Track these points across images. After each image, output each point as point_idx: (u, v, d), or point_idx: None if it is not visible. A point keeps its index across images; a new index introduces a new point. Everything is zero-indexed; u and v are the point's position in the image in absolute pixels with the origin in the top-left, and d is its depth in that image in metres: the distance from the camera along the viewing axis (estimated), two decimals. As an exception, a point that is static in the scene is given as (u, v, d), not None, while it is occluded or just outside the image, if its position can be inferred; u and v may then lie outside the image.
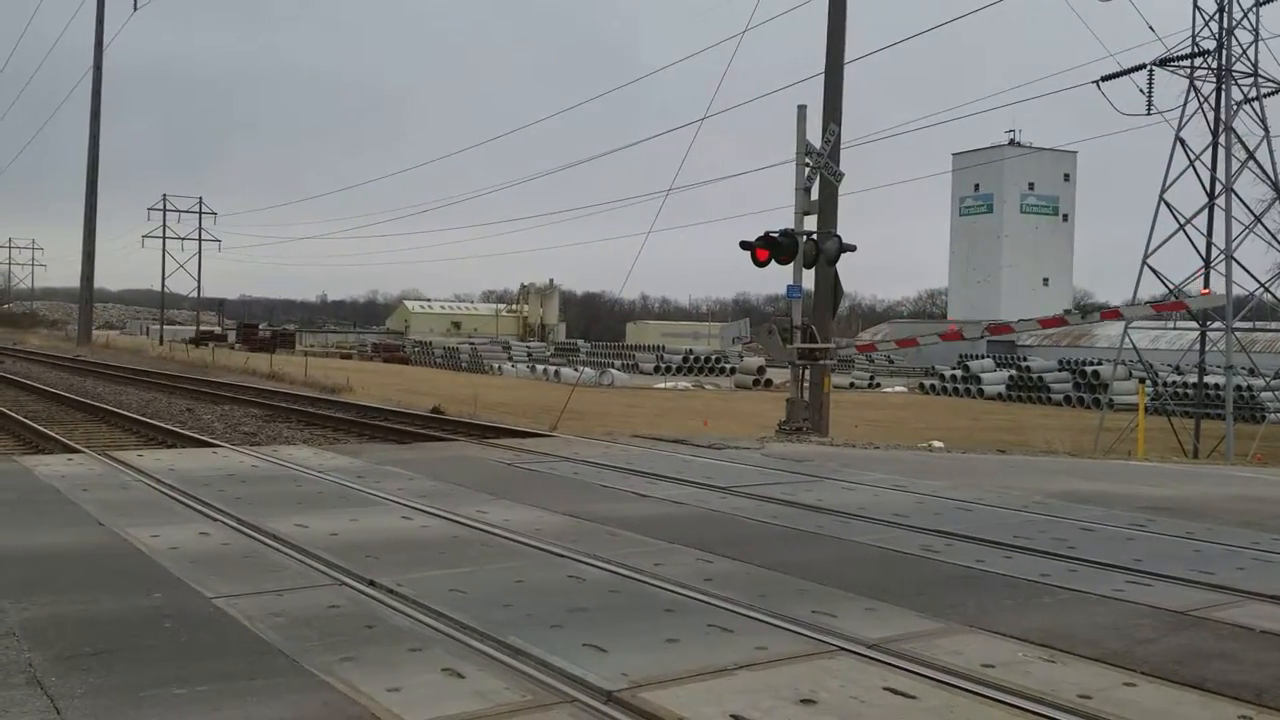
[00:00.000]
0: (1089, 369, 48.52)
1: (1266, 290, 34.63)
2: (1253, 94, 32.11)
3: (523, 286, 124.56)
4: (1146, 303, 27.54)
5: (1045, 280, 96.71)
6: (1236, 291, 30.58)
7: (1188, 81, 32.27)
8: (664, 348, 71.96)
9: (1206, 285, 32.62)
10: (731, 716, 4.11)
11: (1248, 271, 32.44)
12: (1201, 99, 32.16)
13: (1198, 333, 33.81)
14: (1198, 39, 32.03)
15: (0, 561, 6.45)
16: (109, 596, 5.70)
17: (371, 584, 6.04)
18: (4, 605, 5.45)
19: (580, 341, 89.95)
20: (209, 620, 5.30)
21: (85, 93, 58.23)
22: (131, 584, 5.97)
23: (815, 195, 17.16)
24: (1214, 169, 31.98)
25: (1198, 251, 32.36)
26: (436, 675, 4.52)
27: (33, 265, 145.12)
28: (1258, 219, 32.45)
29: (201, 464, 11.09)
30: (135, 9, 57.60)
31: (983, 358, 68.93)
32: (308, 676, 4.48)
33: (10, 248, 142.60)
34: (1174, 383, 36.20)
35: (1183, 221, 32.37)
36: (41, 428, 16.99)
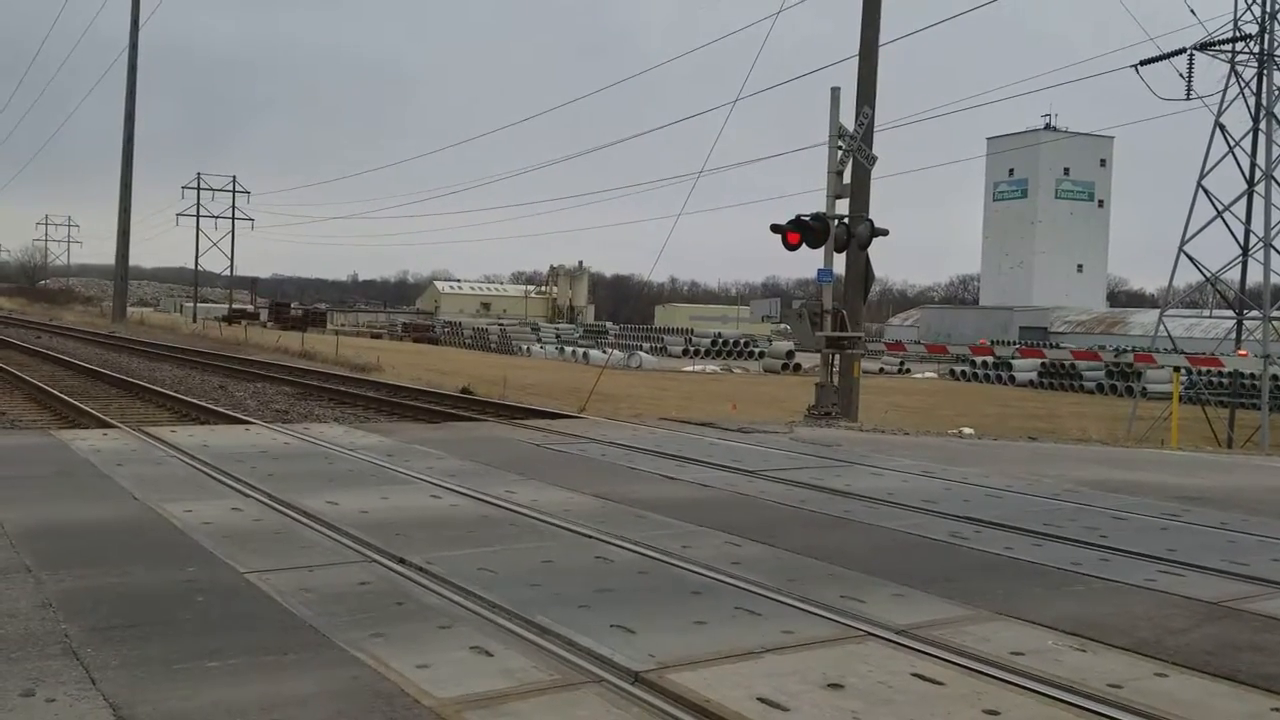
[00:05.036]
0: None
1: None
2: (1294, 79, 31.53)
3: (552, 268, 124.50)
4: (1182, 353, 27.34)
5: (1080, 266, 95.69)
6: (1275, 280, 30.11)
7: (1228, 66, 31.76)
8: (692, 330, 71.85)
9: (1243, 278, 32.20)
10: (759, 699, 4.11)
11: (1287, 260, 31.92)
12: (1242, 84, 31.65)
13: (1234, 321, 33.38)
14: (1239, 23, 31.52)
15: (36, 534, 6.55)
16: (143, 570, 5.77)
17: (401, 562, 6.08)
18: (41, 577, 5.54)
19: (609, 324, 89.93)
20: (241, 595, 5.36)
21: (117, 74, 58.67)
22: (165, 558, 6.05)
23: (847, 179, 17.02)
24: (1254, 155, 31.50)
25: (1235, 239, 31.91)
26: (465, 653, 4.55)
27: (68, 242, 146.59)
28: (1298, 206, 31.90)
29: (234, 440, 11.19)
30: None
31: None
32: (338, 652, 4.53)
33: (47, 224, 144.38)
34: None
35: (1221, 208, 31.91)
36: (77, 403, 17.21)
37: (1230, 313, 34.36)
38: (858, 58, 18.59)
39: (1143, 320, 73.69)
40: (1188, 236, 32.03)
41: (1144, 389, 33.95)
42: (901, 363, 54.62)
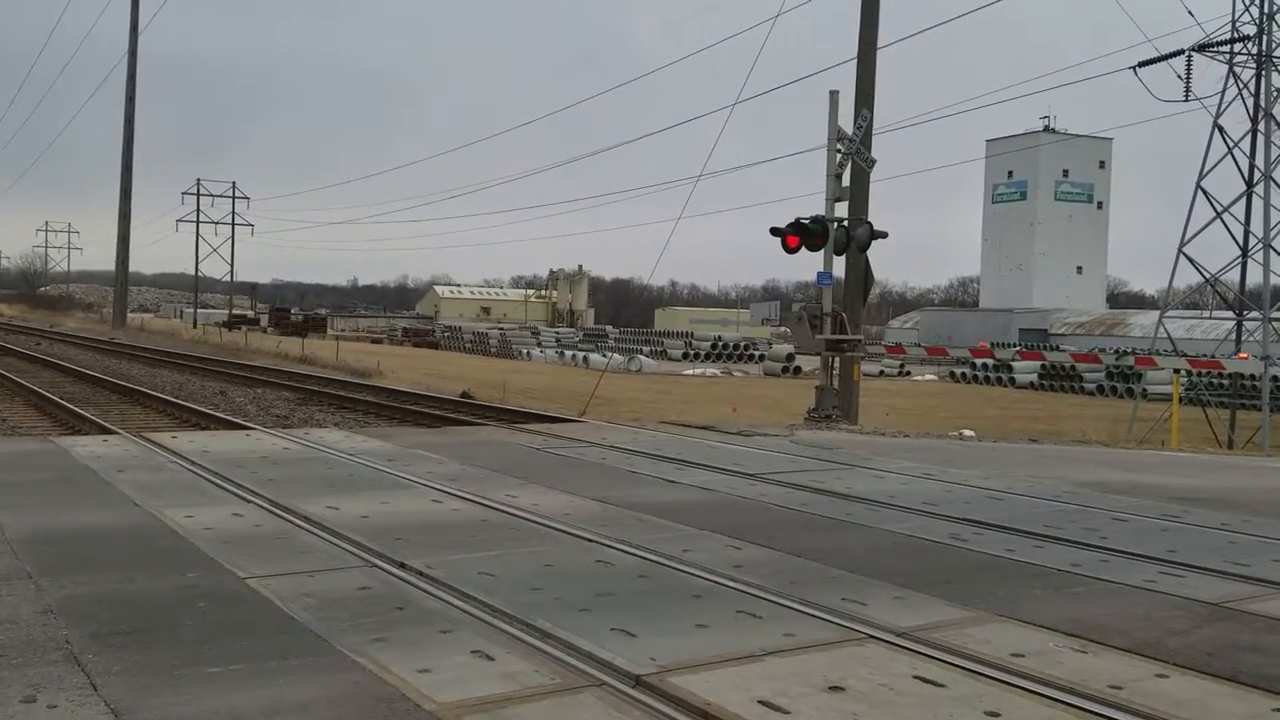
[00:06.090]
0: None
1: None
2: (1293, 80, 31.52)
3: (552, 272, 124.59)
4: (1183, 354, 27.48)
5: (1079, 268, 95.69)
6: (1275, 280, 30.10)
7: (1227, 67, 31.78)
8: (692, 334, 71.84)
9: (1243, 279, 32.19)
10: (759, 702, 4.11)
11: (1286, 260, 31.88)
12: (1241, 85, 31.65)
13: (1234, 322, 33.39)
14: (1237, 24, 31.53)
15: (37, 540, 6.55)
16: (144, 576, 5.77)
17: (402, 566, 6.08)
18: (42, 583, 5.54)
19: (609, 327, 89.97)
20: (242, 600, 5.36)
21: (117, 80, 58.72)
22: (166, 564, 6.05)
23: (846, 181, 17.03)
24: (1253, 156, 31.49)
25: (1235, 240, 31.90)
26: (466, 657, 4.55)
27: (68, 248, 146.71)
28: (1297, 207, 31.87)
29: (234, 446, 11.19)
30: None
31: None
32: (339, 657, 4.53)
33: (47, 231, 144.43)
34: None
35: (1220, 209, 31.91)
36: (78, 409, 17.21)
37: (1230, 313, 34.34)
38: (856, 60, 18.61)
39: (1143, 322, 73.70)
40: (1187, 238, 32.04)
41: (1144, 390, 33.95)
42: (902, 365, 54.62)
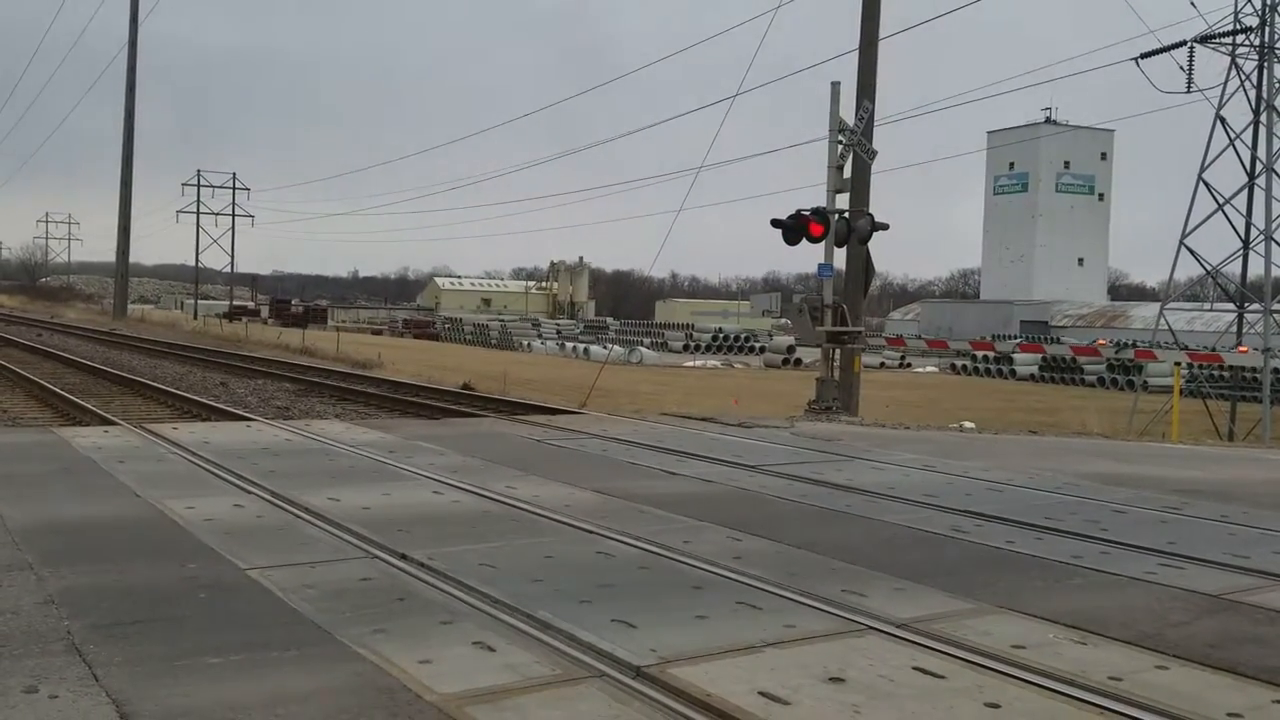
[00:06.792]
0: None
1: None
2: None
3: (552, 264, 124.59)
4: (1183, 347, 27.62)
5: (1080, 260, 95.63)
6: (1276, 273, 30.07)
7: (1229, 59, 31.71)
8: (693, 326, 71.85)
9: (1244, 271, 32.17)
10: (760, 693, 4.11)
11: (1288, 252, 31.85)
12: (1243, 77, 31.60)
13: (1235, 314, 33.36)
14: (1240, 16, 31.46)
15: (39, 531, 6.56)
16: (145, 566, 5.78)
17: (403, 557, 6.09)
18: (43, 574, 5.55)
19: (609, 319, 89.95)
20: (243, 591, 5.37)
21: (118, 71, 58.65)
22: (167, 554, 6.06)
23: (848, 173, 17.01)
24: (1255, 148, 31.44)
25: (1236, 232, 31.86)
26: (467, 648, 4.55)
27: (69, 239, 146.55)
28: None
29: (235, 437, 11.20)
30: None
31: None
32: (340, 648, 4.53)
33: (47, 222, 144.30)
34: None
35: (1222, 201, 31.87)
36: (79, 400, 17.21)
37: (1231, 306, 34.32)
38: (858, 51, 18.56)
39: (1144, 314, 73.64)
40: (1188, 230, 31.99)
41: (1145, 382, 33.95)
42: (902, 357, 54.63)
